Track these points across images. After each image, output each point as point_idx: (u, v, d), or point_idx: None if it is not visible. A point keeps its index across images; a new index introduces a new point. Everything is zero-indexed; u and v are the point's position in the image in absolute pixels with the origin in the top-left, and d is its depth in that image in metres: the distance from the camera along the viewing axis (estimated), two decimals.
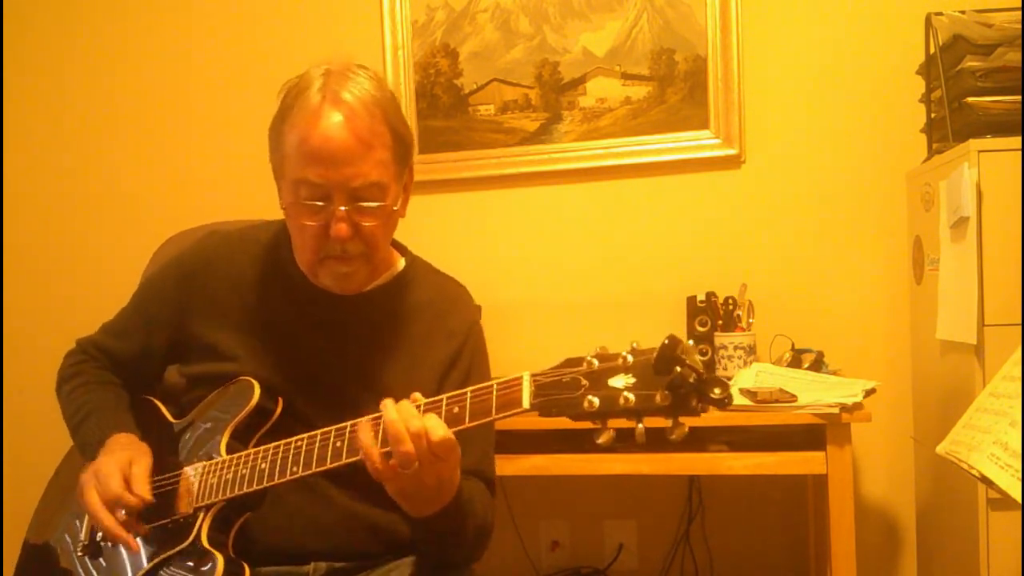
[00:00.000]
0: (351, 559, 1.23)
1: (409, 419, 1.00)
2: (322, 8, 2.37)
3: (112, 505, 1.14)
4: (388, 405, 1.02)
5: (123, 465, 1.17)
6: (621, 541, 2.27)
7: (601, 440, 0.92)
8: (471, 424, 1.00)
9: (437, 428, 1.00)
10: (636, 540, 2.26)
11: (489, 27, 2.27)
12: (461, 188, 2.30)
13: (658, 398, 0.87)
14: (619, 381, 0.90)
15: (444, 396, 1.02)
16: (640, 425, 0.90)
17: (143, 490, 1.15)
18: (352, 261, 1.22)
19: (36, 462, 1.52)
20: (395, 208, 1.24)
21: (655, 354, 0.88)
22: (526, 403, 0.95)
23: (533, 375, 0.96)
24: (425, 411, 1.02)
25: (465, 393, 1.01)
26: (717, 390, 0.87)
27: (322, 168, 1.16)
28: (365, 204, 1.18)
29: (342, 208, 1.17)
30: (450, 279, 1.41)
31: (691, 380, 0.86)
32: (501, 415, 0.97)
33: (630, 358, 0.90)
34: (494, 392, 0.98)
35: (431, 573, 1.24)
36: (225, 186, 2.39)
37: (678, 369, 0.86)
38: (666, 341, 0.87)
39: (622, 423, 0.92)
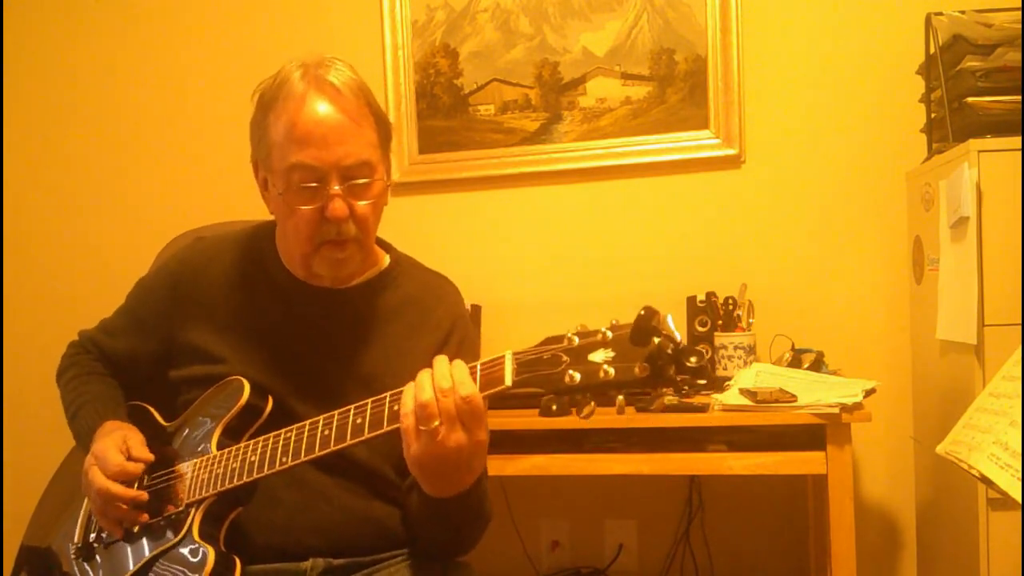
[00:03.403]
0: (349, 555, 1.23)
1: (439, 376, 1.00)
2: (322, 8, 2.37)
3: (116, 478, 1.19)
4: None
5: (119, 442, 1.22)
6: (621, 541, 2.27)
7: (584, 413, 0.94)
8: None
9: (465, 384, 0.99)
10: (636, 540, 2.27)
11: (489, 27, 2.27)
12: (461, 188, 2.30)
13: (637, 370, 0.89)
14: (599, 356, 0.92)
15: None
16: (621, 397, 0.93)
17: (142, 454, 1.21)
18: (347, 246, 1.23)
19: (36, 463, 1.52)
20: (387, 184, 1.27)
21: (631, 327, 0.90)
22: (508, 380, 0.96)
23: (515, 353, 0.97)
24: None
25: None
26: (693, 359, 0.89)
27: (315, 150, 1.18)
28: (358, 182, 1.20)
29: (336, 187, 1.19)
30: (437, 275, 1.41)
31: (668, 351, 0.88)
32: (486, 393, 0.98)
33: (609, 333, 0.92)
34: (478, 371, 0.99)
35: (429, 568, 1.24)
36: (226, 186, 2.39)
37: (656, 340, 0.88)
38: (642, 312, 0.89)
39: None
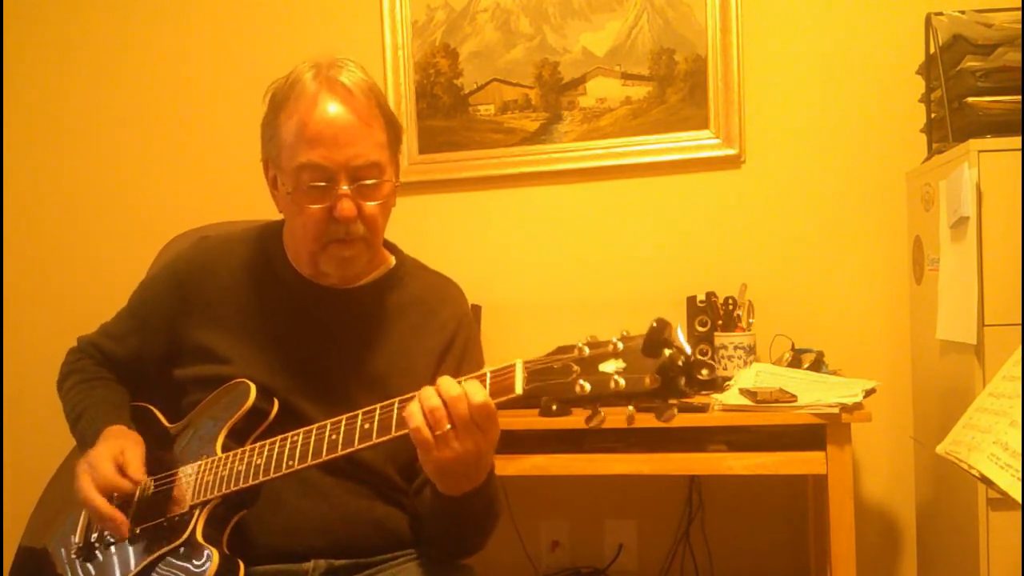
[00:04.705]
0: (351, 556, 1.23)
1: (446, 387, 1.01)
2: (322, 8, 2.37)
3: (105, 489, 1.18)
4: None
5: (115, 453, 1.21)
6: (621, 541, 2.27)
7: (593, 424, 0.95)
8: None
9: (477, 392, 1.00)
10: (636, 540, 2.26)
11: (489, 27, 2.27)
12: (461, 188, 2.30)
13: (647, 381, 0.89)
14: (610, 366, 0.92)
15: None
16: (631, 408, 0.92)
17: (137, 472, 1.20)
18: (354, 244, 1.24)
19: (36, 463, 1.52)
20: (396, 185, 1.27)
21: (643, 338, 0.90)
22: (519, 389, 0.96)
23: (526, 362, 0.98)
24: None
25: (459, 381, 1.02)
26: (704, 371, 0.90)
27: (325, 149, 1.18)
28: (367, 182, 1.21)
29: (345, 187, 1.19)
30: (441, 276, 1.42)
31: (679, 363, 0.88)
32: (496, 401, 0.99)
33: (620, 344, 0.92)
34: (488, 379, 1.00)
35: (431, 569, 1.24)
36: (225, 187, 2.39)
37: (667, 352, 0.88)
38: (654, 324, 0.89)
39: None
